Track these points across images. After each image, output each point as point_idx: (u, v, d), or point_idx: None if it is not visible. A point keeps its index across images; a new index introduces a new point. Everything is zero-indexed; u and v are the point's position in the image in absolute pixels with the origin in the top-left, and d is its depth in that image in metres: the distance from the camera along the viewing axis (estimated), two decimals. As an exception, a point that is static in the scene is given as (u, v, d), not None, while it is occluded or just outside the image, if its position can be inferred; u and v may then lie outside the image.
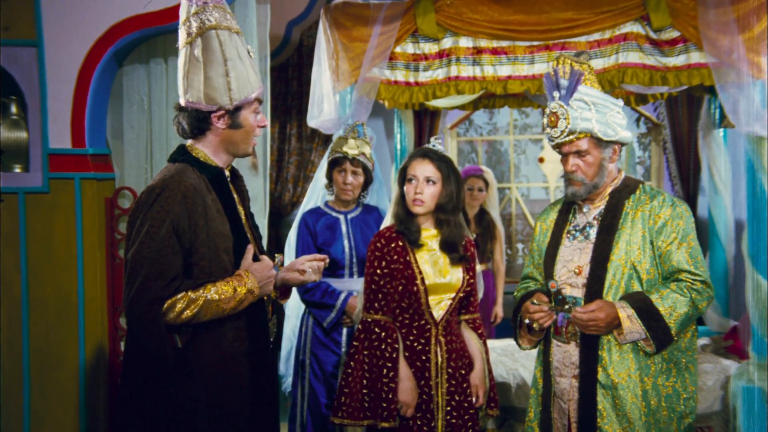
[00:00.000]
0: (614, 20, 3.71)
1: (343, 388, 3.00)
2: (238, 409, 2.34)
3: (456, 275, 3.04)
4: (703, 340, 4.57)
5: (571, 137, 2.73)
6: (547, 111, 2.79)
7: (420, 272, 2.99)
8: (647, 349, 2.68)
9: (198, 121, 2.39)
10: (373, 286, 3.02)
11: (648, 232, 2.73)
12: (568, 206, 2.93)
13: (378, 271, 3.00)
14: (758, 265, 3.72)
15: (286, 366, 4.22)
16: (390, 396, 2.91)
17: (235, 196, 2.49)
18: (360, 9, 3.86)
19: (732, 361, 4.30)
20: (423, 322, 3.00)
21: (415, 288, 2.98)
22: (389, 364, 2.93)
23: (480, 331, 3.17)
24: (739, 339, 4.45)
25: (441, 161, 3.02)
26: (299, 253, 3.78)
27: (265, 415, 2.45)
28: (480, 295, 4.62)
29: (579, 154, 2.76)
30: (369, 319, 3.01)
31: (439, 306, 3.01)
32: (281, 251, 3.87)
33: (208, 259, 2.28)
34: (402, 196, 3.06)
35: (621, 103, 2.80)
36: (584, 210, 2.87)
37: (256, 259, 2.39)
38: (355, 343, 3.04)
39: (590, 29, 3.74)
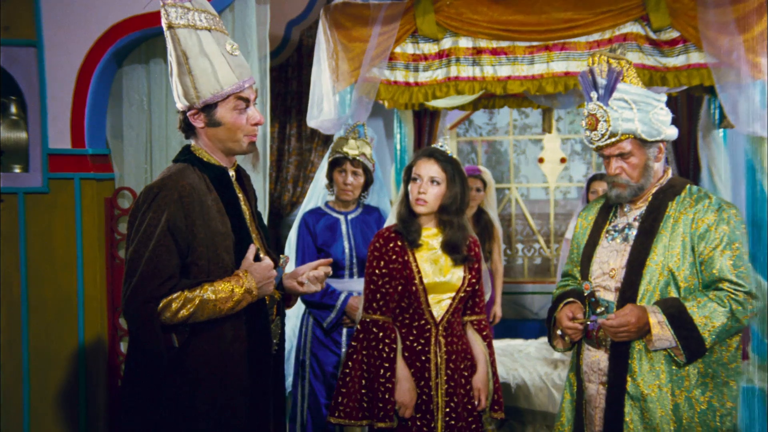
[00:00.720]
0: (614, 20, 3.71)
1: (340, 388, 3.00)
2: (237, 409, 2.33)
3: (457, 274, 3.02)
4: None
5: (612, 140, 2.58)
6: (585, 112, 2.65)
7: (419, 271, 2.98)
8: (678, 358, 2.53)
9: (183, 121, 2.40)
10: (372, 286, 3.01)
11: (690, 237, 2.57)
12: (610, 204, 2.80)
13: (377, 271, 3.00)
14: (758, 265, 3.72)
15: (286, 366, 4.22)
16: (387, 396, 2.91)
17: (240, 195, 2.47)
18: (360, 9, 3.86)
19: (732, 361, 4.30)
20: (423, 322, 3.00)
21: (413, 288, 2.97)
22: (386, 364, 2.93)
23: (485, 333, 3.14)
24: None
25: (447, 162, 2.99)
26: (299, 253, 3.79)
27: (267, 416, 2.44)
28: (487, 297, 4.62)
29: (622, 156, 2.61)
30: (368, 319, 3.01)
31: (439, 305, 3.00)
32: (281, 252, 3.87)
33: (206, 258, 2.28)
34: (406, 195, 3.04)
35: (664, 98, 2.65)
36: (625, 210, 2.74)
37: (258, 259, 2.37)
38: (353, 343, 3.03)
39: (590, 29, 3.74)
